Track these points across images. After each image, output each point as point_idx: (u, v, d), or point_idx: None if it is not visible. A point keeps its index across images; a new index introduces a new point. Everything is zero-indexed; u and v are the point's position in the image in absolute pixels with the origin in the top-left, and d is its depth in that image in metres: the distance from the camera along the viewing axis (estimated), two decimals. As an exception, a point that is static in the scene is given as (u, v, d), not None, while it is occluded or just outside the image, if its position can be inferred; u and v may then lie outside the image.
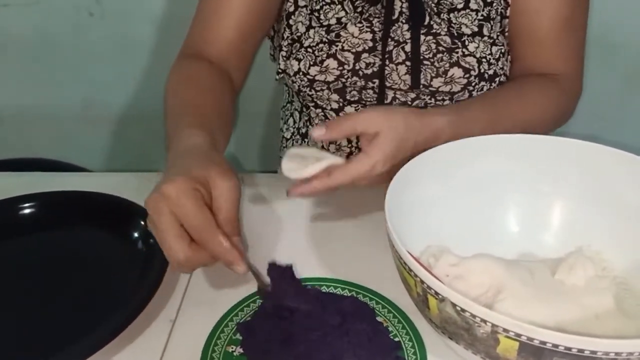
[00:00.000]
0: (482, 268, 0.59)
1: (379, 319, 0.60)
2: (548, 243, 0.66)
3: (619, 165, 0.63)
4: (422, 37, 0.82)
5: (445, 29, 0.82)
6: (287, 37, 0.86)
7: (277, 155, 1.09)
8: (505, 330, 0.44)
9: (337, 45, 0.82)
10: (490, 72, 0.83)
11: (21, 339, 0.60)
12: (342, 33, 0.82)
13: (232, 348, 0.58)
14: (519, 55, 0.86)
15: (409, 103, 0.85)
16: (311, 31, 0.83)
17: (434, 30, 0.82)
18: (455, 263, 0.60)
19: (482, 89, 0.83)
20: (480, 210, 0.66)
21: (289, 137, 1.01)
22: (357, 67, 0.82)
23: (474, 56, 0.81)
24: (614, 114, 1.34)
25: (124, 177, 0.83)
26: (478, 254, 0.61)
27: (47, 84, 1.33)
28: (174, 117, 0.72)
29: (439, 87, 0.82)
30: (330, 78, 0.83)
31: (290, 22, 0.86)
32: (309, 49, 0.83)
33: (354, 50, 0.82)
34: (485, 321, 0.45)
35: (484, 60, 0.82)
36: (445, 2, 0.82)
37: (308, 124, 0.95)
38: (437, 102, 0.85)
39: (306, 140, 0.97)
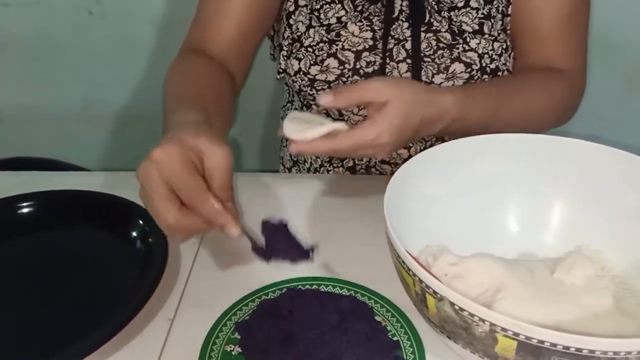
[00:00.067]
0: (481, 267, 0.59)
1: (377, 318, 0.60)
2: (548, 243, 0.66)
3: (619, 165, 0.63)
4: (423, 35, 0.82)
5: (446, 26, 0.82)
6: (287, 36, 0.86)
7: (277, 155, 1.09)
8: (503, 329, 0.44)
9: (337, 45, 0.82)
10: (492, 66, 0.82)
11: (21, 338, 0.60)
12: (342, 32, 0.82)
13: (231, 347, 0.58)
14: (522, 52, 0.86)
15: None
16: (311, 30, 0.83)
17: (435, 28, 0.82)
18: (454, 262, 0.59)
19: None
20: (480, 209, 0.66)
21: (288, 137, 1.01)
22: (358, 66, 0.82)
23: (476, 51, 0.81)
24: (614, 114, 1.34)
25: (124, 176, 0.83)
26: (477, 253, 0.61)
27: (47, 84, 1.33)
28: (171, 103, 0.71)
29: (441, 83, 0.82)
30: (331, 77, 0.83)
31: (291, 21, 0.86)
32: (310, 49, 0.83)
33: (354, 49, 0.82)
34: (483, 320, 0.45)
35: (485, 55, 0.82)
36: (446, 0, 0.82)
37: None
38: None
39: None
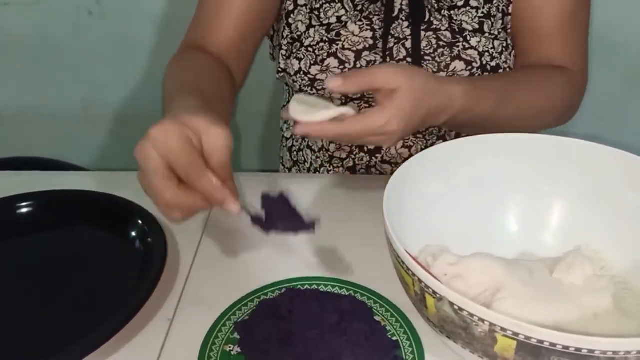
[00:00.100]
0: (481, 267, 0.59)
1: (377, 318, 0.60)
2: (548, 243, 0.66)
3: (619, 165, 0.63)
4: (423, 33, 0.82)
5: (446, 25, 0.82)
6: (287, 36, 0.86)
7: (277, 155, 1.09)
8: (502, 329, 0.44)
9: (337, 44, 0.82)
10: (493, 64, 0.82)
11: (21, 338, 0.60)
12: (342, 32, 0.82)
13: (230, 347, 0.57)
14: (523, 51, 0.86)
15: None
16: (311, 30, 0.83)
17: (435, 26, 0.82)
18: (453, 262, 0.59)
19: None
20: (480, 209, 0.66)
21: (289, 136, 1.01)
22: (358, 65, 0.82)
23: (476, 49, 0.81)
24: (614, 114, 1.34)
25: (123, 176, 0.83)
26: (477, 253, 0.61)
27: (47, 84, 1.33)
28: (170, 94, 0.70)
29: None
30: None
31: (290, 20, 0.86)
32: (310, 48, 0.83)
33: (354, 49, 0.82)
34: (482, 320, 0.45)
35: (486, 53, 0.82)
36: None
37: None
38: None
39: (306, 140, 0.97)
